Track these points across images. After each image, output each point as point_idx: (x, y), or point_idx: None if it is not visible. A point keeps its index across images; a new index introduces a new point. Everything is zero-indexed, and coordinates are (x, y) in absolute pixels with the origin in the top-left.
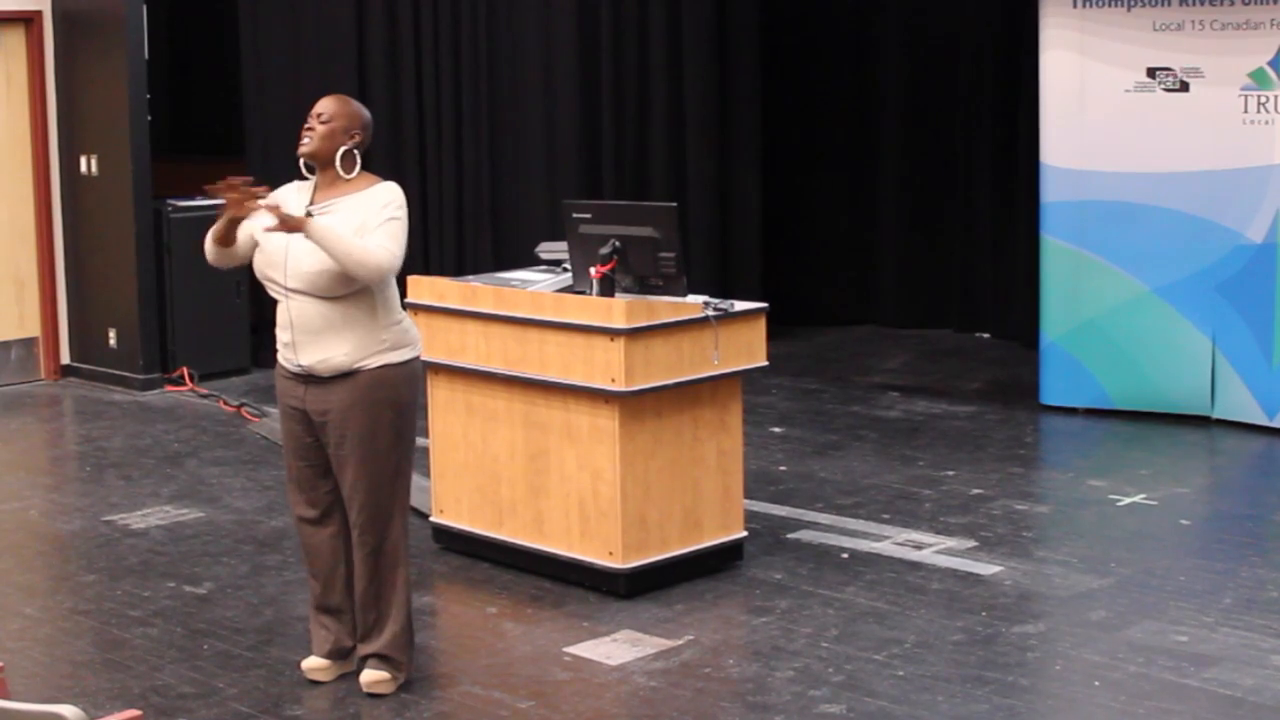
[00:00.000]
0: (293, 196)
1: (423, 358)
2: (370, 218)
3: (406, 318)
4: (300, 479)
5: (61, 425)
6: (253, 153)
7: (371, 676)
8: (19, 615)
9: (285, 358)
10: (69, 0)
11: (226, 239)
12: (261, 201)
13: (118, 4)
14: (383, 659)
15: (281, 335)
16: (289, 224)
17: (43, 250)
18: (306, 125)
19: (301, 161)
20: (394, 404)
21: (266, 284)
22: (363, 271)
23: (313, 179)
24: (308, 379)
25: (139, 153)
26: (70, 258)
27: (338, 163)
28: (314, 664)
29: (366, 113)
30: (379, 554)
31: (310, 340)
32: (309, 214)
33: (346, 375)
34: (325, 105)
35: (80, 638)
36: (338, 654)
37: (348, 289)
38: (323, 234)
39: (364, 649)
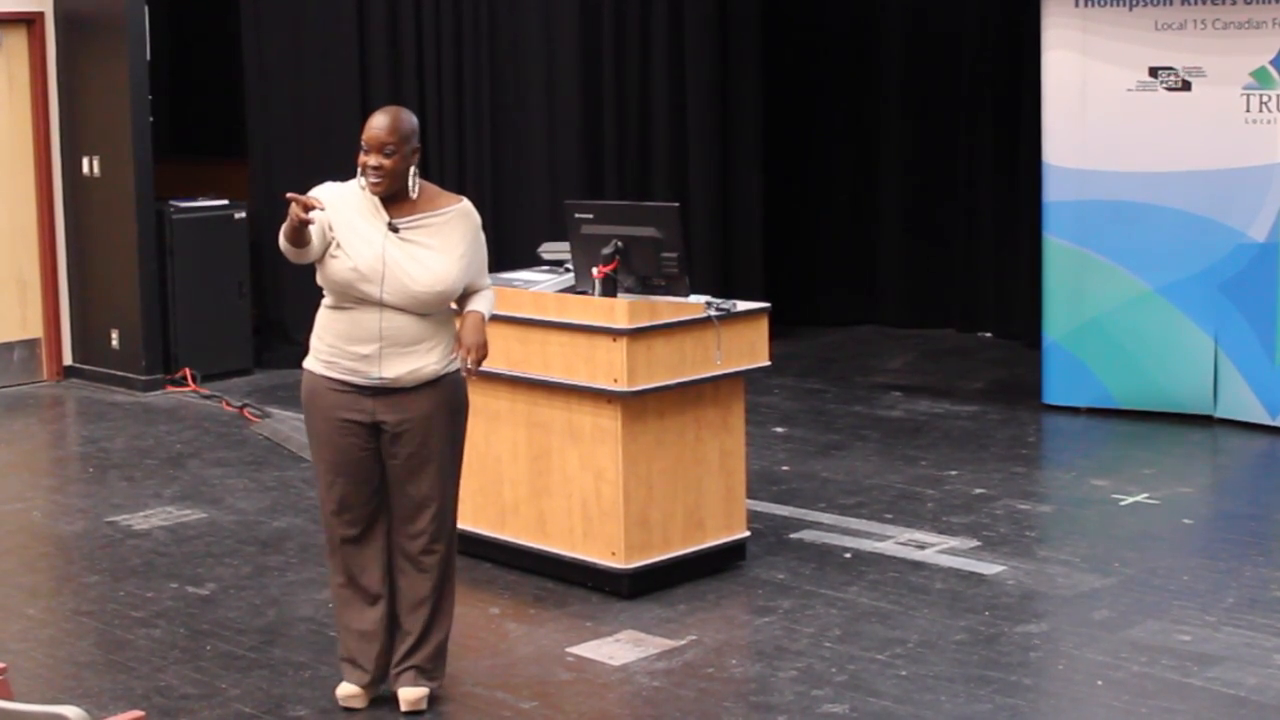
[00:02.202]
0: (345, 200)
1: None
2: (471, 251)
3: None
4: (346, 497)
5: (64, 426)
6: (255, 153)
7: (414, 694)
8: (22, 616)
9: (355, 369)
10: (71, 1)
11: (299, 240)
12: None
13: (120, 5)
14: (422, 671)
15: (359, 349)
16: (485, 351)
17: (45, 251)
18: (371, 162)
19: (365, 185)
20: (465, 407)
21: (349, 297)
22: None
23: (362, 184)
24: (379, 391)
25: (141, 153)
26: (72, 259)
27: (413, 183)
28: (352, 692)
29: (414, 118)
30: (446, 562)
31: (401, 352)
32: (394, 228)
33: (427, 382)
34: (386, 133)
35: (83, 639)
36: (375, 681)
37: (445, 306)
38: (487, 318)
39: (407, 661)
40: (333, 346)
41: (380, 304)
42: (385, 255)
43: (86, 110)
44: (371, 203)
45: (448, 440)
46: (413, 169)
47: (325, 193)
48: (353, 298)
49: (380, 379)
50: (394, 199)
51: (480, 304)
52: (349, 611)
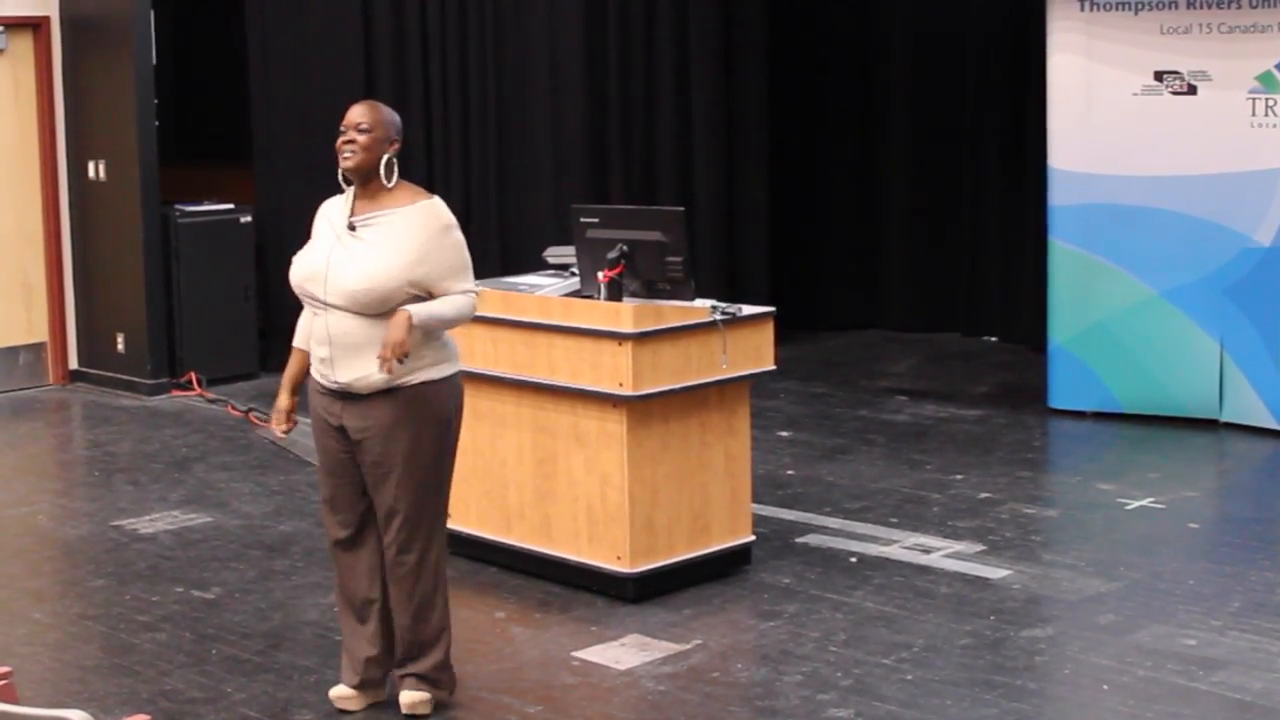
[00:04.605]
0: (328, 213)
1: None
2: (425, 250)
3: (445, 333)
4: (334, 498)
5: (69, 430)
6: (259, 158)
7: (412, 698)
8: (27, 620)
9: (321, 373)
10: (77, 6)
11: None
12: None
13: (125, 9)
14: (423, 679)
15: (318, 350)
16: (399, 350)
17: (51, 255)
18: (345, 138)
19: (340, 174)
20: (435, 421)
21: (305, 298)
22: (466, 322)
23: (350, 190)
24: (344, 395)
25: (147, 158)
26: (78, 263)
27: (381, 173)
28: (342, 693)
29: (398, 117)
30: (419, 573)
31: (349, 356)
32: (351, 226)
33: (386, 392)
34: (362, 114)
35: (89, 643)
36: (369, 684)
37: (388, 306)
38: (428, 320)
39: (404, 670)
40: (312, 350)
41: (326, 304)
42: (330, 255)
43: (92, 114)
44: (346, 206)
45: (412, 452)
46: (386, 159)
47: (319, 215)
48: (308, 298)
49: (337, 383)
50: (366, 194)
51: (425, 304)
52: (342, 614)
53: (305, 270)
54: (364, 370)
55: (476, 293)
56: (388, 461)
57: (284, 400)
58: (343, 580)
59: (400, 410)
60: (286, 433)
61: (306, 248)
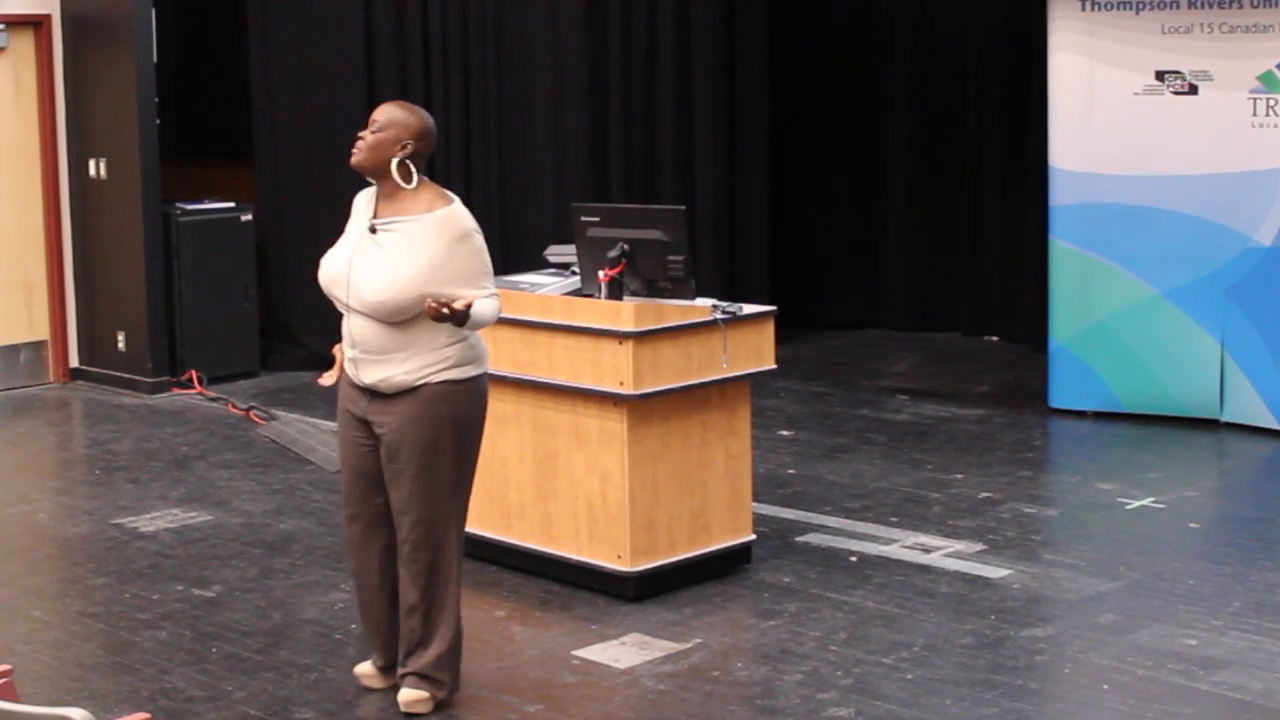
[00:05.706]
0: (363, 207)
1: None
2: (443, 260)
3: (473, 334)
4: (352, 489)
5: (70, 428)
6: (261, 156)
7: (410, 696)
8: (28, 618)
9: (351, 370)
10: (78, 4)
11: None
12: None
13: (126, 7)
14: (423, 678)
15: (347, 351)
16: (447, 302)
17: (51, 253)
18: (359, 133)
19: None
20: (454, 420)
21: (331, 298)
22: (491, 323)
23: (374, 187)
24: (371, 393)
25: (148, 156)
26: (79, 261)
27: (394, 174)
28: (366, 670)
29: (427, 120)
30: (431, 572)
31: (373, 359)
32: (373, 229)
33: (410, 390)
34: (380, 112)
35: (89, 640)
36: (389, 668)
37: (408, 315)
38: (475, 319)
39: (405, 667)
40: (342, 346)
41: (349, 308)
42: (352, 260)
43: (93, 112)
44: (371, 204)
45: (430, 449)
46: (396, 161)
47: (354, 208)
48: (333, 299)
49: (364, 384)
50: (385, 194)
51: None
52: (358, 600)
53: (330, 273)
54: (387, 372)
55: (500, 301)
56: (404, 459)
57: (340, 356)
58: (354, 571)
59: (421, 407)
60: (326, 385)
61: (335, 247)
